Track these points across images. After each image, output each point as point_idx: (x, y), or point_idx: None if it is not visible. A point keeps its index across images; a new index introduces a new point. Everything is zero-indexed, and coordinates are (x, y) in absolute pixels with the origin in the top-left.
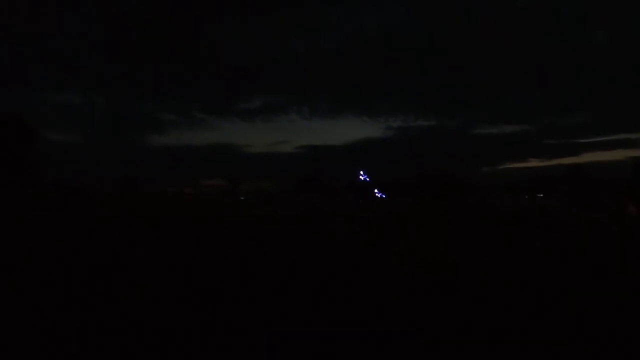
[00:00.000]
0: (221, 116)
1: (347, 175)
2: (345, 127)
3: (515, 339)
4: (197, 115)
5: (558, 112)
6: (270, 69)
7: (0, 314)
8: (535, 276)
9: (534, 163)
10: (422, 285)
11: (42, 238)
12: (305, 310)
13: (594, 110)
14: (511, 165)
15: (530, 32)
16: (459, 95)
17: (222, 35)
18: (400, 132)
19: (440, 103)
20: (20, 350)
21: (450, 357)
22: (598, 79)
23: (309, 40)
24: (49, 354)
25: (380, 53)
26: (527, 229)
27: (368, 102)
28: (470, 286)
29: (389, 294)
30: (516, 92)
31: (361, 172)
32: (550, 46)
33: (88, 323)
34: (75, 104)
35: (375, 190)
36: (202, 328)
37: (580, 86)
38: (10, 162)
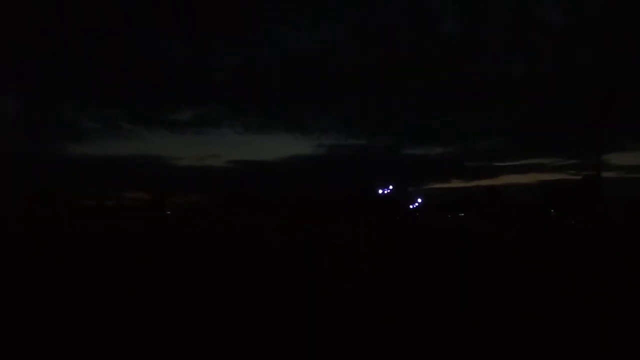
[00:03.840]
0: (149, 127)
1: (278, 190)
2: (277, 143)
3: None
4: (123, 124)
5: (479, 136)
6: (203, 81)
7: None
8: (459, 285)
9: (456, 184)
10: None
11: None
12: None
13: (511, 136)
14: (435, 186)
15: (456, 60)
16: (390, 115)
17: (155, 43)
18: (332, 149)
19: (371, 123)
20: None
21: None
22: (516, 107)
23: (244, 55)
24: None
25: (315, 71)
26: (449, 243)
27: (301, 119)
28: (400, 300)
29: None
30: (442, 115)
31: (390, 187)
32: (474, 74)
33: None
34: None
35: (416, 202)
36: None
37: (499, 113)
38: None
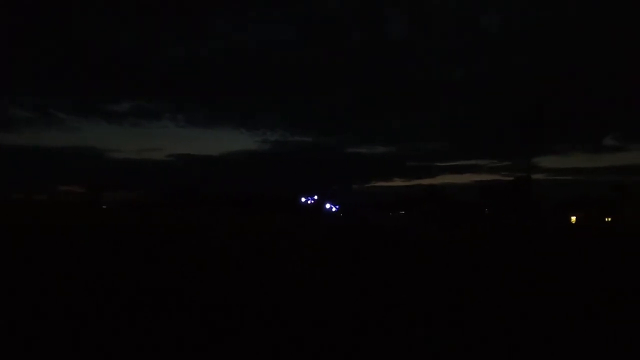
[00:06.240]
0: (84, 117)
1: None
2: (222, 138)
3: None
4: (56, 114)
5: (421, 137)
6: (145, 72)
7: None
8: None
9: (397, 182)
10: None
11: None
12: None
13: (450, 137)
14: (378, 184)
15: (401, 64)
16: (335, 114)
17: (95, 31)
18: (277, 146)
19: (317, 121)
20: None
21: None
22: (456, 110)
23: (189, 48)
24: None
25: (262, 67)
26: (388, 241)
27: (247, 115)
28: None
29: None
30: (386, 116)
31: (314, 197)
32: (417, 78)
33: None
34: None
35: (328, 205)
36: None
37: (440, 115)
38: None
